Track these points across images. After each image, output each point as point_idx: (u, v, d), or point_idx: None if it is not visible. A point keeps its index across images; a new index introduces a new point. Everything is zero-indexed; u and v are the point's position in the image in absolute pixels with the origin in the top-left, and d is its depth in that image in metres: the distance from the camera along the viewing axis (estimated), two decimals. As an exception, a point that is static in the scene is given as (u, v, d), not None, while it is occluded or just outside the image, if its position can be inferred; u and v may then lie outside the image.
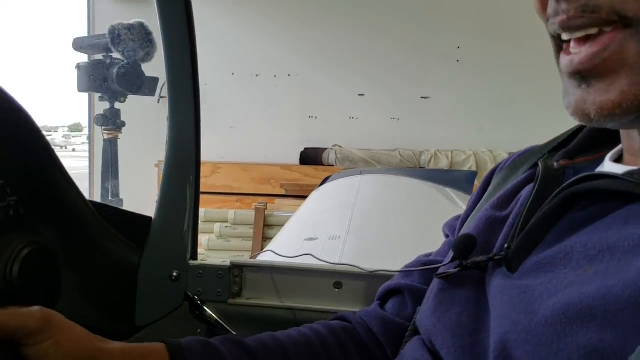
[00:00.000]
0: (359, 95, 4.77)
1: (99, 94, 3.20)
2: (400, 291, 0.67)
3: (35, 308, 0.47)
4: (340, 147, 4.69)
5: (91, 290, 0.74)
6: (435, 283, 0.54)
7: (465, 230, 0.58)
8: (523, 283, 0.41)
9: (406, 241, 1.64)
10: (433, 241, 0.71)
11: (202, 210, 3.98)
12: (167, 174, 0.85)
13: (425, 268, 0.66)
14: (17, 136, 0.63)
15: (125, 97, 3.16)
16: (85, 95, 4.94)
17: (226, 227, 3.97)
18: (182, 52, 0.83)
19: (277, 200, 4.43)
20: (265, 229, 3.85)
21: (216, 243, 3.88)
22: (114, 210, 0.79)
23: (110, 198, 3.23)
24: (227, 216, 3.99)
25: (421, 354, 0.49)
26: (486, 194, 0.63)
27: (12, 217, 0.64)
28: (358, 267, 0.80)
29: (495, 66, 4.56)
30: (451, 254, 0.53)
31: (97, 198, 3.50)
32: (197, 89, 0.85)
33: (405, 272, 0.69)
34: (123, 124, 3.30)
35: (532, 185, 0.52)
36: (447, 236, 0.71)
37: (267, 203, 4.07)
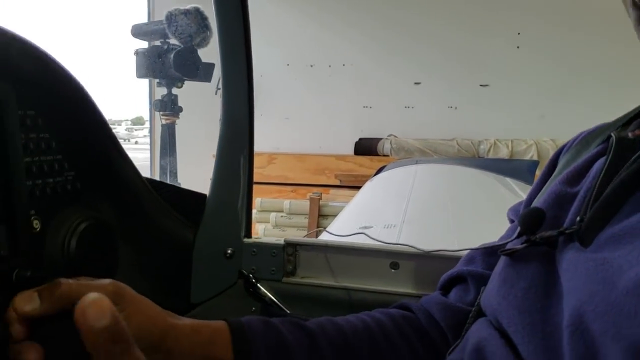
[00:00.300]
0: (415, 83, 4.70)
1: (157, 80, 3.30)
2: (463, 278, 0.64)
3: (107, 280, 0.47)
4: (395, 136, 4.64)
5: (147, 266, 0.75)
6: (500, 261, 0.51)
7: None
8: (599, 256, 0.38)
9: (464, 231, 1.59)
10: (493, 231, 0.67)
11: (257, 200, 4.05)
12: (221, 153, 0.85)
13: (488, 245, 0.62)
14: (75, 112, 0.64)
15: (182, 83, 3.24)
16: (146, 89, 5.11)
17: (281, 216, 4.02)
18: (236, 34, 0.83)
19: (332, 191, 4.44)
20: (319, 219, 3.87)
21: (272, 232, 3.94)
22: (169, 188, 0.79)
23: (168, 181, 3.32)
24: (283, 206, 4.03)
25: (488, 332, 0.46)
26: (554, 172, 0.59)
27: (69, 192, 0.65)
28: (414, 247, 0.77)
29: (557, 52, 4.38)
30: (518, 230, 0.50)
31: (157, 185, 3.62)
32: (250, 67, 0.85)
33: (467, 260, 0.66)
34: (180, 109, 3.39)
35: (604, 158, 0.48)
36: (511, 221, 0.67)
37: (321, 193, 4.08)
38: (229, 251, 0.83)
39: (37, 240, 0.59)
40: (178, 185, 0.81)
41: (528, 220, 0.47)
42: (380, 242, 0.80)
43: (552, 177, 0.59)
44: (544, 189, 0.58)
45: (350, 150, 4.78)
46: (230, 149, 0.84)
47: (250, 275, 0.83)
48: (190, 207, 0.82)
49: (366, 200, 2.48)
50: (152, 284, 0.73)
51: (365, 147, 4.72)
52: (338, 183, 4.53)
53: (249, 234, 0.86)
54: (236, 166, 0.84)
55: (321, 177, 4.66)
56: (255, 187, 0.89)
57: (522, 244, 0.48)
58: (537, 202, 0.54)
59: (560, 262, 0.43)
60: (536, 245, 0.46)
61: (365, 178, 3.28)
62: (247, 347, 0.52)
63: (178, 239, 0.80)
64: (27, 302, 0.43)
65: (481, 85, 4.61)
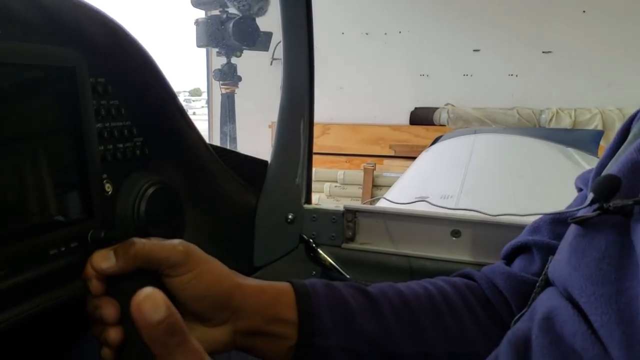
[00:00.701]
0: (474, 51, 4.55)
1: (217, 49, 3.35)
2: (527, 248, 0.62)
3: (177, 241, 0.49)
4: (452, 106, 4.53)
5: (212, 229, 0.77)
6: (570, 230, 0.50)
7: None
8: None
9: (525, 203, 1.55)
10: (556, 203, 0.65)
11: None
12: (282, 120, 0.86)
13: (557, 212, 0.60)
14: (143, 80, 0.66)
15: (241, 52, 3.28)
16: (203, 60, 5.18)
17: (335, 186, 4.05)
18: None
19: (386, 161, 4.41)
20: (373, 189, 3.87)
21: (326, 202, 3.97)
22: (232, 154, 0.81)
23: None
24: (337, 176, 4.05)
25: (559, 302, 0.44)
26: (627, 139, 0.56)
27: (138, 157, 0.67)
28: (480, 212, 0.76)
29: (626, 16, 4.13)
30: (590, 197, 0.48)
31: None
32: (311, 33, 0.85)
33: (532, 229, 0.64)
34: (239, 79, 3.44)
35: None
36: (579, 190, 0.64)
37: (375, 164, 4.07)
38: (290, 216, 0.85)
39: (109, 203, 0.62)
40: (239, 152, 0.83)
41: (602, 187, 0.45)
42: (442, 207, 0.79)
43: (624, 145, 0.56)
44: (616, 156, 0.56)
45: (405, 120, 4.71)
46: (291, 116, 0.85)
47: (311, 240, 0.85)
48: (253, 173, 0.83)
49: (422, 170, 2.45)
50: (217, 247, 0.75)
51: (421, 117, 4.64)
52: (393, 153, 4.50)
53: (309, 200, 0.88)
54: (297, 133, 0.85)
55: (375, 147, 4.63)
56: (309, 157, 0.89)
57: (594, 212, 0.46)
58: (609, 170, 0.51)
59: (635, 233, 0.41)
60: (609, 214, 0.44)
61: (420, 148, 3.23)
62: (310, 308, 0.53)
63: (241, 204, 0.82)
64: (104, 260, 0.45)
65: (544, 52, 4.42)
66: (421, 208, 0.87)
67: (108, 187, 0.62)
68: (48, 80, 0.52)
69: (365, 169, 3.96)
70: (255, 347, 0.52)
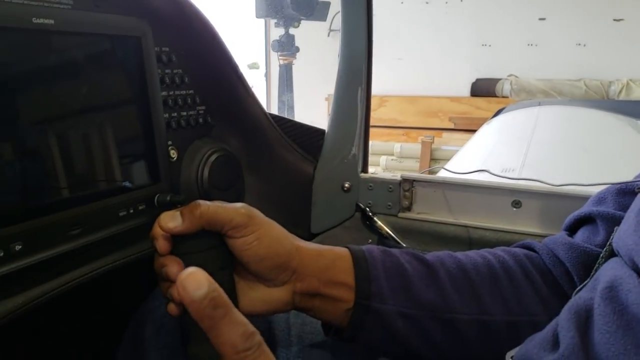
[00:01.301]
0: (540, 19, 4.36)
1: (274, 21, 3.38)
2: (591, 219, 0.60)
3: (240, 204, 0.50)
4: (516, 77, 4.38)
5: (271, 196, 0.79)
6: (637, 200, 0.48)
7: None
8: None
9: (591, 177, 1.49)
10: (623, 176, 0.62)
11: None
12: (339, 89, 0.86)
13: (624, 182, 0.58)
14: (206, 50, 0.68)
15: (299, 22, 3.28)
16: (261, 33, 5.21)
17: (392, 160, 4.01)
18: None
19: (445, 134, 4.33)
20: (431, 163, 3.81)
21: (382, 175, 3.95)
22: (290, 123, 0.82)
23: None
24: (393, 149, 4.02)
25: (623, 271, 0.43)
26: None
27: (201, 125, 0.69)
28: (542, 182, 0.74)
29: None
30: None
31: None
32: (370, 0, 0.84)
33: (597, 200, 0.62)
34: (297, 49, 3.46)
35: None
36: None
37: (434, 137, 4.00)
38: (346, 185, 0.86)
39: (174, 168, 0.65)
40: (297, 121, 0.84)
41: None
42: (503, 176, 0.78)
43: None
44: None
45: (466, 91, 4.59)
46: (349, 85, 0.85)
47: (367, 209, 0.85)
48: (310, 142, 0.84)
49: (483, 143, 2.40)
50: (276, 213, 0.77)
51: (483, 88, 4.51)
52: (452, 126, 4.40)
53: (365, 169, 0.88)
54: (354, 102, 0.85)
55: (434, 120, 4.54)
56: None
57: None
58: None
59: None
60: None
61: (481, 121, 3.15)
62: (367, 273, 0.53)
63: (299, 172, 0.84)
64: (171, 220, 0.48)
65: (615, 20, 4.18)
66: (481, 178, 0.85)
67: (173, 154, 0.65)
68: (115, 49, 0.54)
69: (423, 142, 3.90)
70: (314, 308, 0.53)
